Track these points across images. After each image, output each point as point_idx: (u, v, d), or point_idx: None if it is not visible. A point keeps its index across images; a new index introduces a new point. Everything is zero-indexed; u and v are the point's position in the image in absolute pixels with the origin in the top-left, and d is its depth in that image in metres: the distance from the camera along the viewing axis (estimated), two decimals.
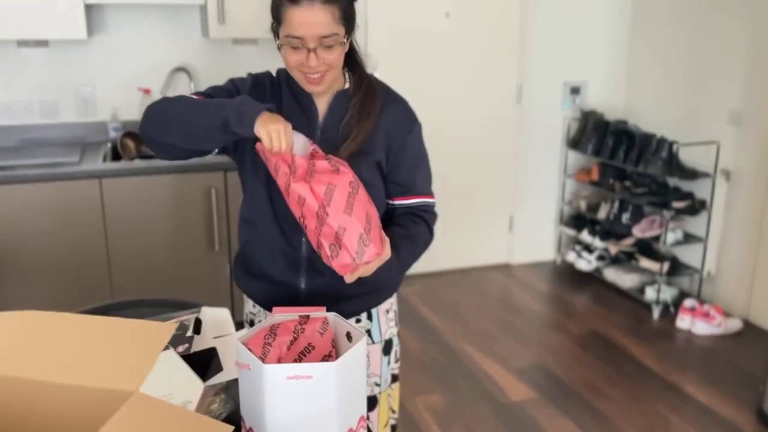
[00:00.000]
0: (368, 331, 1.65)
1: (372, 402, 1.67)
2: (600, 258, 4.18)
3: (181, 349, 1.29)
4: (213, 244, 3.18)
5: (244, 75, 1.60)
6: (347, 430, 1.16)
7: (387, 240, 1.41)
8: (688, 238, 3.82)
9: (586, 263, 4.19)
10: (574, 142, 4.28)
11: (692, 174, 3.74)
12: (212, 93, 1.53)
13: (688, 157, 3.82)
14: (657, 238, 3.81)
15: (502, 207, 4.44)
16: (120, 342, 1.00)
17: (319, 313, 1.27)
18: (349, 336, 1.25)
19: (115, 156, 3.33)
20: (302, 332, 1.24)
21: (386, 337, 1.69)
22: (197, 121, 1.40)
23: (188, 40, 3.53)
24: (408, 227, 1.59)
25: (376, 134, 1.54)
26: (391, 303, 1.70)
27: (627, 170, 4.00)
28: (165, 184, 3.06)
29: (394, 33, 3.91)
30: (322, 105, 1.55)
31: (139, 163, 3.11)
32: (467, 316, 3.73)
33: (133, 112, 3.49)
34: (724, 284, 3.80)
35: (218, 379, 1.27)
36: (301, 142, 1.40)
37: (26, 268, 2.96)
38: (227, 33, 3.29)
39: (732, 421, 2.80)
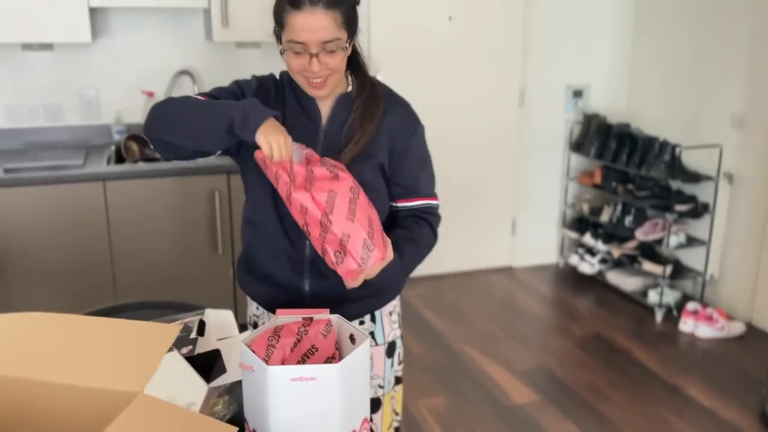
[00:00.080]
0: (371, 333, 1.66)
1: (375, 404, 1.67)
2: (603, 261, 4.17)
3: (185, 350, 1.29)
4: (216, 246, 3.19)
5: (247, 78, 1.61)
6: None
7: (389, 241, 1.42)
8: (691, 241, 3.82)
9: (588, 266, 4.19)
10: (577, 146, 4.28)
11: (695, 177, 3.74)
12: (217, 94, 1.53)
13: (690, 160, 3.82)
14: (660, 242, 3.81)
15: (505, 210, 4.44)
16: (124, 343, 1.00)
17: (322, 315, 1.27)
18: (352, 338, 1.25)
19: (119, 159, 3.34)
20: (306, 334, 1.24)
21: (389, 339, 1.69)
22: (202, 121, 1.40)
23: (192, 44, 3.54)
24: (411, 229, 1.60)
25: (379, 137, 1.55)
26: (394, 305, 1.70)
27: (630, 173, 4.00)
28: (168, 186, 3.07)
29: (397, 36, 3.92)
30: (325, 108, 1.56)
31: (142, 166, 3.12)
32: (470, 319, 3.73)
33: (136, 115, 3.50)
34: (727, 287, 3.79)
35: (222, 380, 1.27)
36: (296, 150, 1.40)
37: (31, 270, 2.97)
38: (231, 36, 3.30)
39: (735, 425, 2.80)
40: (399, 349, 1.73)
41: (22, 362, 0.94)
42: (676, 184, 3.76)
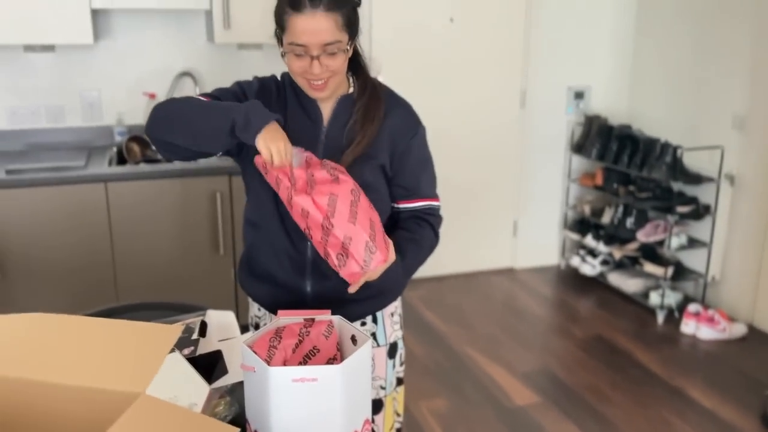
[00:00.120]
0: (373, 335, 1.66)
1: (377, 405, 1.67)
2: (604, 263, 4.17)
3: (186, 351, 1.29)
4: (218, 247, 3.19)
5: (249, 79, 1.61)
6: None
7: (390, 242, 1.42)
8: (693, 242, 3.82)
9: (590, 268, 4.19)
10: (578, 147, 4.28)
11: (696, 179, 3.74)
12: (218, 95, 1.53)
13: (692, 161, 3.82)
14: (661, 243, 3.81)
15: (507, 211, 4.44)
16: (126, 344, 1.00)
17: (324, 316, 1.28)
18: (354, 339, 1.25)
19: (121, 160, 3.34)
20: (307, 335, 1.24)
21: (391, 340, 1.69)
22: (204, 122, 1.40)
23: (194, 45, 3.54)
24: (413, 231, 1.60)
25: (381, 138, 1.55)
26: (396, 306, 1.70)
27: (631, 175, 4.00)
28: (170, 187, 3.07)
29: (399, 37, 3.92)
30: (326, 109, 1.56)
31: (144, 167, 3.12)
32: (471, 321, 3.73)
33: (138, 116, 3.51)
34: (729, 289, 3.79)
35: (223, 381, 1.27)
36: (296, 154, 1.41)
37: (32, 271, 2.98)
38: (232, 38, 3.30)
39: (736, 426, 2.79)
40: (400, 351, 1.73)
41: (23, 363, 0.94)
42: (677, 186, 3.76)
